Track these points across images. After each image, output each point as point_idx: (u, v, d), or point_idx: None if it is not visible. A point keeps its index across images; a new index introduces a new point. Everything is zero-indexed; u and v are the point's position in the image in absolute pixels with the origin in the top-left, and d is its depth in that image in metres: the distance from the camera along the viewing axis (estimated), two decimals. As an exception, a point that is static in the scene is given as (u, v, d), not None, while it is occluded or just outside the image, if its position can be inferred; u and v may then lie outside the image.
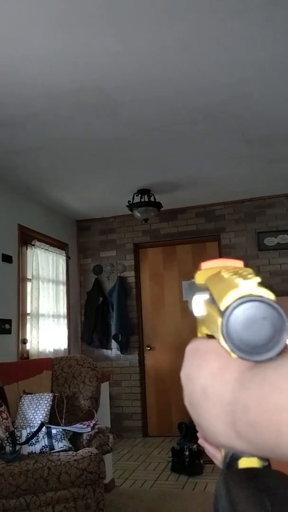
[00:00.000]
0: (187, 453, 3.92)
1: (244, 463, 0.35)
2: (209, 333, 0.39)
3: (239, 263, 0.40)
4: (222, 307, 0.32)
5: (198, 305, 0.40)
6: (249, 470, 0.34)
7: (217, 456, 0.44)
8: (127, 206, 4.88)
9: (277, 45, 2.48)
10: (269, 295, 0.32)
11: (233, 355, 0.32)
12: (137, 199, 4.83)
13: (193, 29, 2.33)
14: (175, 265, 5.62)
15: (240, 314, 0.31)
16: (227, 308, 0.31)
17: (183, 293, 5.47)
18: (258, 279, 0.33)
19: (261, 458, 0.35)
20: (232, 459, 0.35)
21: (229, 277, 0.35)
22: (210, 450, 0.45)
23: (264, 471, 0.34)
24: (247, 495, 0.32)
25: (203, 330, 0.41)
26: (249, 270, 0.37)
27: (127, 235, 5.73)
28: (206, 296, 0.38)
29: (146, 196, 4.79)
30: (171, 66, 2.64)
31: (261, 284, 0.32)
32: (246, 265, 0.39)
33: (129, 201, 4.83)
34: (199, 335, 0.44)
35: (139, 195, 4.81)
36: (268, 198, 5.23)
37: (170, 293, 5.59)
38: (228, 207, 5.37)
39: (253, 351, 0.31)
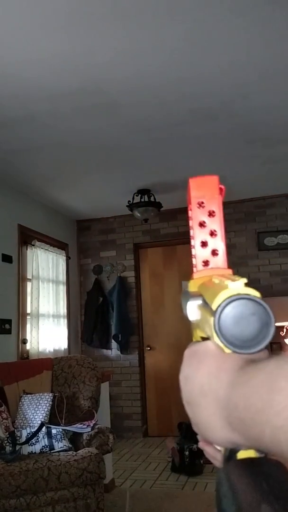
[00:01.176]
0: (187, 453, 3.92)
1: (242, 455, 0.37)
2: (204, 335, 0.41)
3: (229, 271, 0.43)
4: (214, 307, 0.35)
5: (193, 310, 0.43)
6: (247, 460, 0.37)
7: (218, 457, 0.45)
8: (127, 206, 4.88)
9: (277, 45, 2.48)
10: (255, 293, 0.35)
11: (226, 350, 0.35)
12: (137, 199, 4.83)
13: (193, 30, 2.33)
14: (175, 265, 5.62)
15: (230, 311, 0.34)
16: (218, 307, 0.35)
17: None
18: (245, 280, 0.36)
19: (258, 450, 0.37)
20: (231, 453, 0.37)
21: (220, 281, 0.38)
22: (210, 452, 0.46)
23: (261, 459, 0.36)
24: (245, 479, 0.35)
25: (198, 334, 0.44)
26: (237, 276, 0.40)
27: (127, 235, 5.73)
28: (199, 301, 0.41)
29: (146, 196, 4.79)
30: (171, 66, 2.64)
31: (248, 284, 0.36)
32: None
33: (129, 201, 4.83)
34: (194, 340, 0.46)
35: (139, 195, 4.81)
36: (268, 198, 5.23)
37: (170, 293, 5.58)
38: (228, 207, 5.37)
39: (244, 345, 0.34)
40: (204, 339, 0.41)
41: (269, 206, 5.24)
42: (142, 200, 4.80)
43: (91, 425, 3.02)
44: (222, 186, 0.46)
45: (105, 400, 3.66)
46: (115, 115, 3.18)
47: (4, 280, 4.24)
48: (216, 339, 0.35)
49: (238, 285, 0.35)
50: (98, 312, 5.57)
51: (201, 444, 0.48)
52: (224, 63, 2.62)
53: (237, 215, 5.32)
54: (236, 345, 0.34)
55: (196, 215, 0.46)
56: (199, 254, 0.45)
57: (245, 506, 0.33)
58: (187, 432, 4.80)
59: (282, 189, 5.03)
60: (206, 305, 0.38)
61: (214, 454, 0.46)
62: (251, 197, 5.26)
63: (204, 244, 0.45)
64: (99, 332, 5.53)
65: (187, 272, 5.52)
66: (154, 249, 5.73)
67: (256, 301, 0.34)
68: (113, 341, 5.51)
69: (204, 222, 0.45)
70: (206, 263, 0.45)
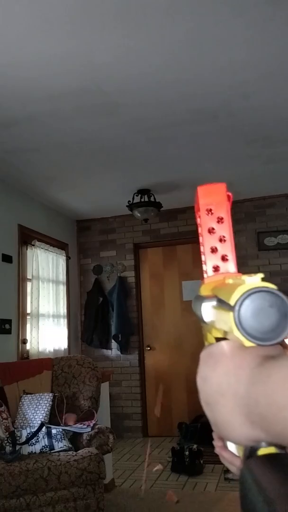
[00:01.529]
0: (187, 453, 3.92)
1: (263, 451, 0.38)
2: (220, 335, 0.42)
3: (239, 276, 0.44)
4: (232, 302, 0.35)
5: (208, 311, 0.43)
6: (268, 455, 0.37)
7: (235, 463, 0.44)
8: (127, 206, 4.88)
9: (277, 45, 2.48)
10: (272, 286, 0.35)
11: (247, 344, 0.36)
12: (137, 199, 4.83)
13: (193, 30, 2.33)
14: (175, 265, 5.62)
15: (249, 304, 0.35)
16: (237, 300, 0.35)
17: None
18: (261, 275, 0.37)
19: (279, 447, 0.37)
20: (251, 450, 0.38)
21: (235, 279, 0.38)
22: (227, 457, 0.46)
23: (283, 454, 0.37)
24: (268, 471, 0.35)
25: (214, 334, 0.44)
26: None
27: (127, 235, 5.73)
28: (213, 302, 0.42)
29: (146, 196, 4.79)
30: (171, 66, 2.64)
31: (264, 279, 0.36)
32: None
33: (129, 201, 4.83)
34: (206, 343, 0.46)
35: (139, 195, 4.81)
36: (268, 198, 5.23)
37: (170, 293, 5.58)
38: (228, 207, 5.36)
39: (264, 336, 0.35)
40: (219, 340, 0.41)
41: (269, 206, 5.24)
42: (142, 200, 4.80)
43: (91, 425, 3.02)
44: (230, 193, 0.47)
45: (105, 400, 3.66)
46: (115, 115, 3.18)
47: (4, 280, 4.24)
48: (236, 333, 0.35)
49: (255, 280, 0.36)
50: (98, 312, 5.57)
51: (217, 450, 0.47)
52: (224, 62, 2.62)
53: (237, 215, 5.32)
54: (256, 337, 0.35)
55: (205, 221, 0.47)
56: (209, 260, 0.46)
57: (272, 494, 0.33)
58: (187, 432, 4.80)
59: (282, 189, 5.03)
60: (222, 304, 0.39)
61: (231, 459, 0.45)
62: (251, 197, 5.26)
63: (213, 250, 0.46)
64: (99, 332, 5.53)
65: (187, 272, 5.53)
66: (154, 249, 5.73)
67: (274, 293, 0.35)
68: (113, 341, 5.52)
69: (213, 228, 0.46)
70: (216, 268, 0.46)
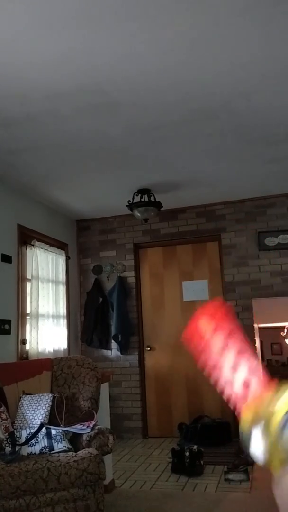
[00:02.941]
0: (187, 453, 3.91)
1: None
2: None
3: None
4: None
5: None
6: None
7: None
8: (127, 206, 4.87)
9: (278, 45, 2.47)
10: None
11: None
12: (137, 199, 4.82)
13: (193, 29, 2.32)
14: (175, 265, 5.62)
15: None
16: None
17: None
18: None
19: None
20: None
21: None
22: None
23: None
24: None
25: None
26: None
27: (127, 235, 5.72)
28: None
29: (146, 196, 4.78)
30: (171, 66, 2.63)
31: None
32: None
33: (129, 201, 4.82)
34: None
35: (139, 195, 4.80)
36: (269, 198, 5.22)
37: (170, 293, 5.57)
38: (228, 206, 5.37)
39: None
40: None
41: (270, 206, 5.23)
42: (142, 200, 4.79)
43: (91, 425, 3.01)
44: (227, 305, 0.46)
45: (105, 400, 3.65)
46: (116, 115, 3.17)
47: (4, 280, 4.23)
48: None
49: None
50: (98, 312, 5.56)
51: None
52: (225, 63, 2.62)
53: (237, 215, 5.32)
54: None
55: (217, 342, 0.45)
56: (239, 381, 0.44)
57: None
58: (187, 433, 4.79)
59: (282, 189, 5.03)
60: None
61: None
62: (252, 197, 5.25)
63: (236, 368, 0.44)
64: (99, 332, 5.52)
65: (187, 272, 5.53)
66: (154, 249, 5.72)
67: None
68: (113, 341, 5.51)
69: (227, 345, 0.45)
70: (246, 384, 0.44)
